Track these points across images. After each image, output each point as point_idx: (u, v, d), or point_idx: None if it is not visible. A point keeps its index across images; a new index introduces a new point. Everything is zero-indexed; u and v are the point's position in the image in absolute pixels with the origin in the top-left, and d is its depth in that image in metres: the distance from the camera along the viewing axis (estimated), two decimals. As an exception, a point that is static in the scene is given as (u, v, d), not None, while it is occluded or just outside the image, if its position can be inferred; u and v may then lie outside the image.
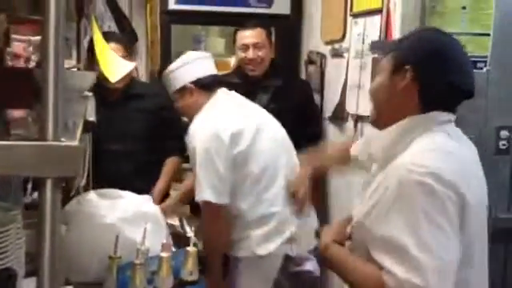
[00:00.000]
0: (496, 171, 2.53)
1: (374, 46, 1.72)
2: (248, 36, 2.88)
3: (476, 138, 2.46)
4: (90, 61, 2.67)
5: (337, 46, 3.02)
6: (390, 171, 1.35)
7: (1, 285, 1.08)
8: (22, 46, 2.44)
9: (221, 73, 3.40)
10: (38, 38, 2.27)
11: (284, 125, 2.92)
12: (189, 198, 2.59)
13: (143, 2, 3.70)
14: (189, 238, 1.91)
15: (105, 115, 2.70)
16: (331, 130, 3.12)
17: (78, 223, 1.84)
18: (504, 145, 2.53)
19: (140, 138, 2.76)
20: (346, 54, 2.93)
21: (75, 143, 0.84)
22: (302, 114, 3.03)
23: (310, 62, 3.36)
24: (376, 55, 2.54)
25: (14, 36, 2.23)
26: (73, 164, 0.84)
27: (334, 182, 3.12)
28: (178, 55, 3.75)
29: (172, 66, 2.44)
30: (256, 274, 2.22)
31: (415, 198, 1.27)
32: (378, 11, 2.55)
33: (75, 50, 2.44)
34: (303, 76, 3.50)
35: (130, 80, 2.80)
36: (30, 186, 2.14)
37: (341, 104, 2.95)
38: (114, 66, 1.67)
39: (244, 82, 2.92)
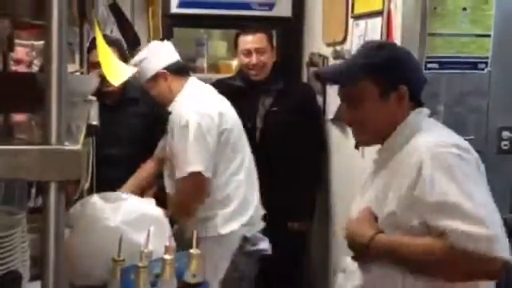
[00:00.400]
0: (498, 171, 2.53)
1: (325, 76, 1.86)
2: (250, 41, 2.90)
3: (478, 138, 2.48)
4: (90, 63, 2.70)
5: (338, 47, 3.03)
6: (400, 164, 1.49)
7: (6, 287, 1.09)
8: (24, 50, 2.46)
9: (224, 76, 3.44)
10: (41, 42, 2.29)
11: (286, 127, 2.93)
12: (149, 183, 2.71)
13: (145, 5, 3.71)
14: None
15: (102, 119, 2.72)
16: (333, 131, 3.13)
17: (81, 226, 1.84)
18: (506, 145, 2.53)
19: (136, 141, 2.77)
20: (347, 56, 2.93)
21: (78, 147, 0.85)
22: (303, 117, 3.04)
23: (312, 63, 3.37)
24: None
25: (17, 41, 2.24)
26: (76, 168, 0.85)
27: (335, 165, 3.12)
28: (181, 58, 3.80)
29: (138, 58, 2.53)
30: (217, 253, 2.38)
31: (452, 164, 1.41)
32: (379, 13, 2.56)
33: (78, 55, 2.45)
34: (305, 78, 3.51)
35: (125, 83, 2.80)
36: (34, 190, 2.15)
37: (343, 105, 2.95)
38: (117, 70, 1.68)
39: (247, 86, 2.93)
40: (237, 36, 3.01)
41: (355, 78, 1.55)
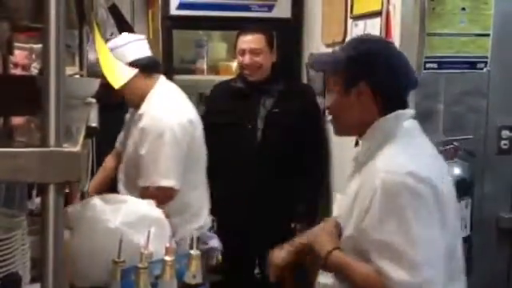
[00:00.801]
0: (498, 171, 2.54)
1: (313, 61, 1.81)
2: (246, 41, 2.89)
3: (477, 138, 2.49)
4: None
5: (338, 48, 3.03)
6: (366, 178, 1.45)
7: (6, 289, 1.09)
8: (24, 54, 2.47)
9: (223, 78, 3.44)
10: (40, 45, 2.29)
11: (287, 128, 2.93)
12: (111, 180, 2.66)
13: (145, 7, 3.73)
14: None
15: (109, 119, 2.74)
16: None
17: (81, 228, 1.85)
18: (505, 144, 2.54)
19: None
20: (346, 57, 2.93)
21: (77, 149, 0.86)
22: (304, 118, 3.04)
23: (312, 65, 3.37)
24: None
25: (16, 44, 2.25)
26: (75, 169, 0.85)
27: (336, 166, 3.13)
28: (181, 60, 3.81)
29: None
30: None
31: (401, 200, 1.36)
32: (378, 13, 2.57)
33: (78, 57, 2.46)
34: (305, 79, 3.51)
35: None
36: (34, 192, 2.16)
37: (342, 106, 2.96)
38: (117, 72, 1.68)
39: (247, 87, 2.93)
40: (237, 36, 3.02)
41: (331, 68, 1.57)
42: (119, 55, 2.35)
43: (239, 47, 2.92)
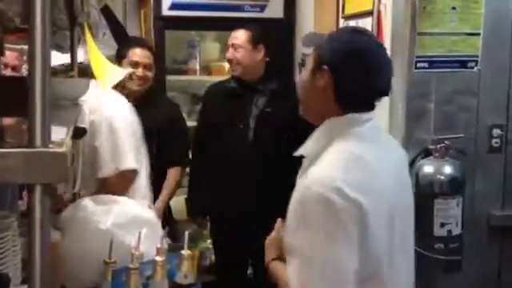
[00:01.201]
0: (489, 169, 2.55)
1: (306, 39, 1.71)
2: (231, 36, 2.91)
3: (468, 136, 2.50)
4: (117, 65, 2.74)
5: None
6: (300, 184, 1.38)
7: (-7, 290, 1.09)
8: (14, 55, 2.46)
9: (216, 78, 3.44)
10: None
11: (279, 128, 2.94)
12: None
13: (137, 8, 3.72)
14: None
15: None
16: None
17: (72, 229, 1.85)
18: (497, 143, 2.54)
19: (148, 145, 2.79)
20: (338, 56, 2.94)
21: (63, 149, 0.86)
22: (297, 118, 3.03)
23: (304, 65, 3.38)
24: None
25: (6, 45, 2.24)
26: (61, 170, 0.86)
27: None
28: (173, 61, 3.81)
29: None
30: None
31: (315, 214, 1.30)
32: (370, 13, 2.58)
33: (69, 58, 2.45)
34: (297, 79, 3.52)
35: (149, 88, 2.84)
36: (25, 193, 2.15)
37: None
38: (108, 73, 1.69)
39: (240, 87, 2.93)
40: None
41: (310, 45, 1.51)
42: None
43: (228, 43, 2.94)
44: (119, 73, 2.24)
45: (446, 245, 2.31)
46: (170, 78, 3.58)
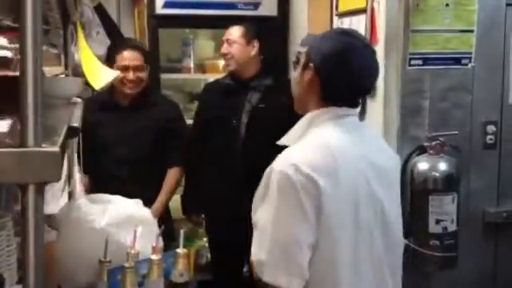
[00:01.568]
0: (484, 166, 2.56)
1: (303, 40, 1.78)
2: (226, 33, 2.92)
3: (463, 133, 2.50)
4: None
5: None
6: (274, 162, 1.48)
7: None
8: (8, 53, 2.44)
9: (210, 76, 3.44)
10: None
11: (272, 124, 2.93)
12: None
13: (131, 6, 3.71)
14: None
15: (115, 119, 2.75)
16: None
17: (68, 229, 1.84)
18: (491, 139, 2.55)
19: (145, 145, 2.79)
20: (332, 54, 2.94)
21: (56, 149, 0.85)
22: (290, 114, 3.03)
23: (298, 62, 3.37)
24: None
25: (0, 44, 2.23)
26: (54, 169, 0.85)
27: None
28: (167, 59, 3.80)
29: None
30: None
31: (275, 188, 1.41)
32: (363, 10, 2.57)
33: (63, 57, 2.45)
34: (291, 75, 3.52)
35: (145, 87, 2.83)
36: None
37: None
38: (98, 73, 1.68)
39: (235, 83, 2.93)
40: None
41: (304, 44, 1.61)
42: None
43: (223, 38, 2.94)
44: (110, 74, 2.23)
45: (441, 241, 2.32)
46: (164, 76, 3.57)
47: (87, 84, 1.89)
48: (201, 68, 3.78)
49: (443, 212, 2.31)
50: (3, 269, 1.38)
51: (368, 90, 1.56)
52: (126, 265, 1.62)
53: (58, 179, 0.86)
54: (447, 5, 2.44)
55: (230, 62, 2.89)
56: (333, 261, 1.42)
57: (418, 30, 2.43)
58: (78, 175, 2.63)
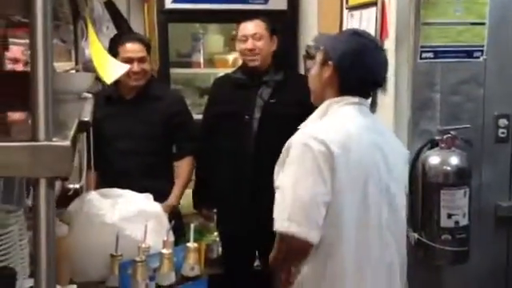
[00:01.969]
0: (496, 159, 2.53)
1: (316, 41, 2.08)
2: (247, 27, 2.89)
3: (475, 127, 2.48)
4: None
5: (335, 32, 3.02)
6: (293, 136, 1.72)
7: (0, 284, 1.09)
8: (20, 49, 2.46)
9: (222, 71, 3.43)
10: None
11: (284, 119, 2.93)
12: None
13: (141, 1, 3.71)
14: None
15: (121, 113, 2.76)
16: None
17: (79, 223, 1.85)
18: (503, 133, 2.53)
19: (152, 138, 2.80)
20: (343, 48, 2.93)
21: (67, 143, 0.85)
22: (302, 109, 3.02)
23: (309, 56, 3.37)
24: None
25: (11, 40, 2.24)
26: (65, 164, 0.85)
27: None
28: (177, 54, 3.80)
29: None
30: None
31: (296, 155, 1.65)
32: (374, 3, 2.56)
33: (73, 52, 2.46)
34: (301, 70, 3.51)
35: (150, 80, 2.84)
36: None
37: (339, 97, 2.95)
38: (109, 67, 1.68)
39: (248, 77, 2.93)
40: (238, 25, 3.01)
41: (319, 45, 1.86)
42: None
43: (241, 34, 2.91)
44: (121, 68, 2.23)
45: (453, 236, 2.30)
46: (174, 71, 3.58)
47: (98, 79, 1.89)
48: (210, 63, 3.78)
49: (455, 206, 2.30)
50: (16, 262, 1.40)
51: (379, 83, 1.84)
52: (137, 259, 1.63)
53: (69, 173, 0.87)
54: (459, -3, 2.42)
55: (255, 58, 2.88)
56: (340, 224, 1.63)
57: (429, 23, 2.41)
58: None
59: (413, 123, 2.43)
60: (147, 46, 2.86)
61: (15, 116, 1.47)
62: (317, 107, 1.83)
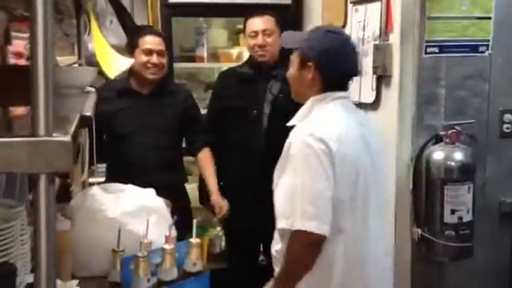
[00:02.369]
0: (500, 155, 2.52)
1: (285, 38, 2.15)
2: (257, 23, 2.88)
3: (479, 122, 2.47)
4: (130, 55, 2.73)
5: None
6: (290, 137, 1.78)
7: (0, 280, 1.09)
8: (22, 43, 2.45)
9: (226, 65, 3.42)
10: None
11: (293, 114, 2.92)
12: None
13: (144, -5, 3.70)
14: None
15: (138, 107, 2.75)
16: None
17: (81, 218, 1.85)
18: (508, 128, 2.51)
19: (170, 132, 2.81)
20: (347, 42, 2.91)
21: (67, 138, 0.84)
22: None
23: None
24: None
25: (14, 34, 2.23)
26: (66, 159, 0.84)
27: None
28: (180, 48, 3.78)
29: None
30: None
31: (297, 154, 1.70)
32: (378, -2, 2.54)
33: (76, 46, 2.44)
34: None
35: (165, 75, 2.84)
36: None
37: (343, 92, 2.94)
38: (112, 62, 1.67)
39: (256, 72, 2.92)
40: (245, 21, 3.00)
41: (295, 46, 1.91)
42: None
43: (250, 29, 2.90)
44: (125, 62, 2.22)
45: (456, 231, 2.29)
46: (177, 65, 3.56)
47: (101, 73, 1.89)
48: (214, 57, 3.76)
49: (459, 202, 2.29)
50: (17, 257, 1.39)
51: (355, 72, 1.93)
52: (139, 254, 1.62)
53: (70, 169, 0.86)
54: (464, -9, 2.40)
55: (266, 53, 2.87)
56: (336, 216, 1.70)
57: (435, 17, 2.39)
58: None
59: (417, 118, 2.41)
60: (165, 41, 2.86)
61: (18, 111, 1.46)
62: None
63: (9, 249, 1.30)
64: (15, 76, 1.56)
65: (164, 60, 2.79)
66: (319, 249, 1.69)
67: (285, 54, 3.11)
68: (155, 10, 3.55)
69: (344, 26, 2.96)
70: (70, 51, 2.69)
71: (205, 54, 3.69)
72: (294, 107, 2.86)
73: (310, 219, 1.65)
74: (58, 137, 0.84)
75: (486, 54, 2.46)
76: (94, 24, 1.92)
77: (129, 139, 2.73)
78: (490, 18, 2.44)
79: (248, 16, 2.96)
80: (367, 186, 1.77)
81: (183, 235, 1.93)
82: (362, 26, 2.71)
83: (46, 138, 0.83)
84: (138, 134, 2.73)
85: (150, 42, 2.76)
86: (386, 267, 1.91)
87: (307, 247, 1.69)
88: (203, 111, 3.06)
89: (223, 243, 3.32)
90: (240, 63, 3.17)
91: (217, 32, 3.86)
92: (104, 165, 2.91)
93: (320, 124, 1.76)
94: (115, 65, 1.73)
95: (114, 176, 2.66)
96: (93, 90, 1.78)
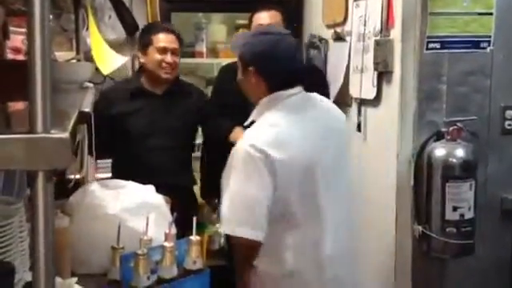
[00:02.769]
0: (502, 152, 2.51)
1: (232, 42, 2.17)
2: (263, 17, 2.87)
3: (481, 118, 2.45)
4: (142, 53, 2.68)
5: (339, 29, 2.99)
6: (236, 146, 1.82)
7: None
8: (20, 38, 2.43)
9: (225, 60, 3.40)
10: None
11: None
12: None
13: (143, -10, 3.67)
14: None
15: (152, 108, 2.70)
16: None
17: (80, 214, 1.83)
18: (510, 125, 2.50)
19: (186, 133, 2.80)
20: (348, 38, 2.89)
21: (65, 135, 0.83)
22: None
23: (312, 45, 3.33)
24: (377, 37, 2.52)
25: (12, 29, 2.21)
26: (64, 156, 0.83)
27: None
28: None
29: None
30: None
31: (239, 162, 1.76)
32: (380, -7, 2.52)
33: (74, 41, 2.43)
34: (304, 60, 3.47)
35: (178, 75, 2.81)
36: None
37: (344, 88, 2.92)
38: (107, 58, 1.66)
39: None
40: (251, 16, 2.98)
41: (235, 52, 1.94)
42: None
43: (257, 23, 2.88)
44: (118, 59, 2.20)
45: (458, 229, 2.28)
46: (177, 61, 3.54)
47: (97, 69, 1.87)
48: (213, 52, 3.74)
49: (460, 199, 2.27)
50: (16, 255, 1.38)
51: (298, 69, 1.91)
52: (139, 251, 1.61)
53: (68, 165, 0.84)
54: (466, -14, 2.38)
55: None
56: (290, 217, 1.78)
57: (436, 13, 2.37)
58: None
59: (418, 114, 2.40)
60: (179, 39, 2.77)
61: (16, 107, 1.45)
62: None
63: (7, 246, 1.29)
64: (13, 71, 1.55)
65: (178, 59, 2.72)
66: (256, 251, 1.79)
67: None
68: (154, 4, 3.53)
69: (345, 21, 2.94)
70: (69, 46, 2.67)
71: (204, 50, 3.67)
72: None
73: (243, 226, 1.73)
74: (56, 133, 0.82)
75: (488, 50, 2.44)
76: (91, 19, 1.90)
77: (142, 140, 2.68)
78: (491, 14, 2.42)
79: (254, 11, 2.94)
80: (327, 178, 1.82)
81: (183, 233, 1.92)
82: (362, 22, 2.69)
83: (43, 135, 0.81)
84: (151, 135, 2.69)
85: (164, 39, 2.68)
86: (348, 248, 1.95)
87: (246, 250, 1.81)
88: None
89: (222, 240, 3.31)
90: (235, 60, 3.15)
91: (216, 27, 3.84)
92: (107, 160, 2.88)
93: (262, 131, 1.80)
94: (110, 61, 1.72)
95: (122, 176, 2.64)
96: (91, 85, 1.76)
